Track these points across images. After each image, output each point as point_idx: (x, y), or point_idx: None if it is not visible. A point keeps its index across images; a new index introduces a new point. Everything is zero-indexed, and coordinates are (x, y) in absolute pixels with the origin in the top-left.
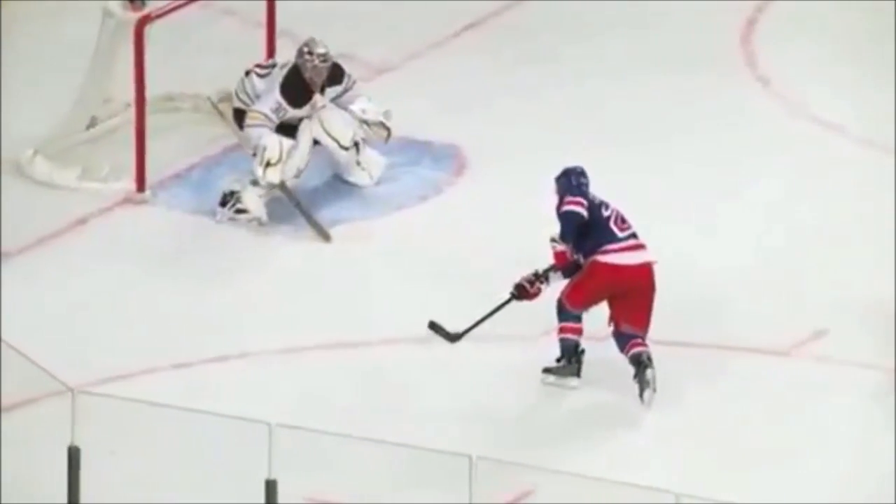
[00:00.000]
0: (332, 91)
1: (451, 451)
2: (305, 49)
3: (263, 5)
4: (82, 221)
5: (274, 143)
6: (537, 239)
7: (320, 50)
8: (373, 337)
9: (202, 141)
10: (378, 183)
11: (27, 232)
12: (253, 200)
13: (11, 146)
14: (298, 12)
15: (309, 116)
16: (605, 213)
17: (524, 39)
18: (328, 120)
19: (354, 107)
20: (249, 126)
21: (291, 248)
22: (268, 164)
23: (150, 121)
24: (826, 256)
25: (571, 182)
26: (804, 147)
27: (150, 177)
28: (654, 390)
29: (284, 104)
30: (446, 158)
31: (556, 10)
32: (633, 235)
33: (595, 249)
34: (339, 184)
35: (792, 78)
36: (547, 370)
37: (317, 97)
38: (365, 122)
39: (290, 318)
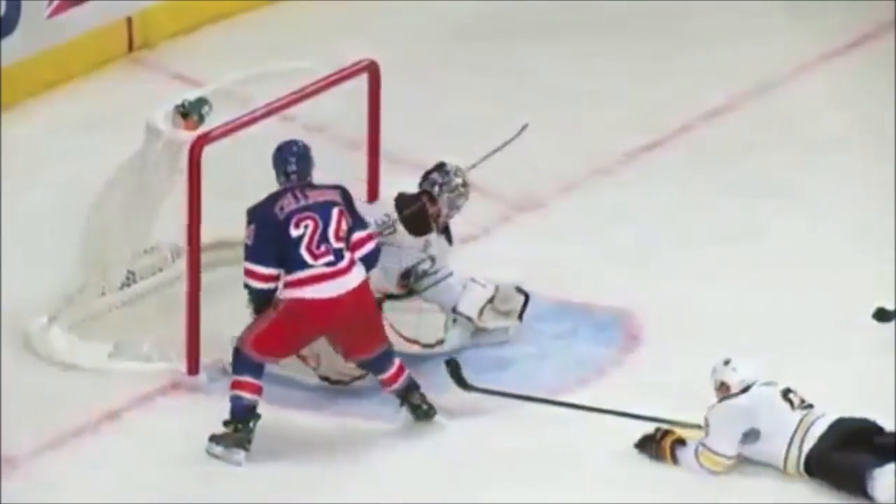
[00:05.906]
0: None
1: None
2: (458, 181)
3: (361, 120)
4: (114, 415)
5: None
6: None
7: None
8: None
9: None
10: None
11: (38, 431)
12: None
13: (15, 312)
14: (402, 128)
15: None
16: (296, 234)
17: (728, 160)
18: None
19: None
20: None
21: (394, 449)
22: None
23: (208, 277)
24: None
25: (282, 164)
26: None
27: (206, 354)
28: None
29: (394, 220)
30: (612, 328)
31: (772, 119)
32: (331, 263)
33: (286, 280)
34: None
35: None
36: (214, 438)
37: (433, 236)
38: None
39: None
